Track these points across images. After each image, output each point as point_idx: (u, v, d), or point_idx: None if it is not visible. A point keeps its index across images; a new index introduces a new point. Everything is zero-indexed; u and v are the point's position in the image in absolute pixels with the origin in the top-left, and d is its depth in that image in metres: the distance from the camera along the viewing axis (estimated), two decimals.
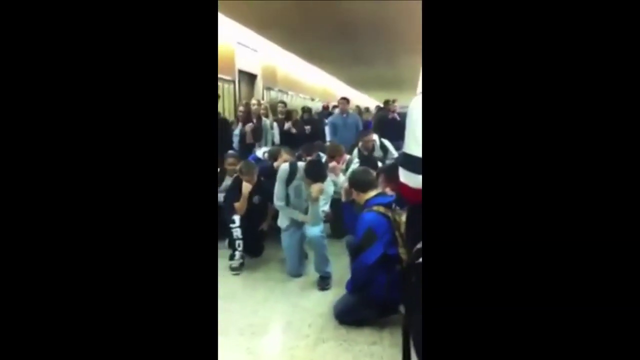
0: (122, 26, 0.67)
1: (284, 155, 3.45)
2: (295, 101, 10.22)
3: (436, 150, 0.67)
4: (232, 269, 3.01)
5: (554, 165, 0.63)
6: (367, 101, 18.00)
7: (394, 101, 5.99)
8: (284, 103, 5.60)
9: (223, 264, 3.04)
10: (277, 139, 4.81)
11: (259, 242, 3.34)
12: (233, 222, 3.03)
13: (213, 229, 0.72)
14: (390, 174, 2.79)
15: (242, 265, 3.05)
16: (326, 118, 6.14)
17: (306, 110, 5.76)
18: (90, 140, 0.66)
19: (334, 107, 6.18)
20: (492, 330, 0.63)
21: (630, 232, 0.58)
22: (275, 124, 4.97)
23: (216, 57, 0.81)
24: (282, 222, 3.03)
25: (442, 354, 0.64)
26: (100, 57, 0.66)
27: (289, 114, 5.32)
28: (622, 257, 0.58)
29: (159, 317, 0.68)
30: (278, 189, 2.97)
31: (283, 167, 3.01)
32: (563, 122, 0.61)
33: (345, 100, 5.64)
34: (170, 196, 0.70)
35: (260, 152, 3.92)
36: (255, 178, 3.12)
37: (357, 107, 7.71)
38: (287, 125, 5.02)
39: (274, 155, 3.63)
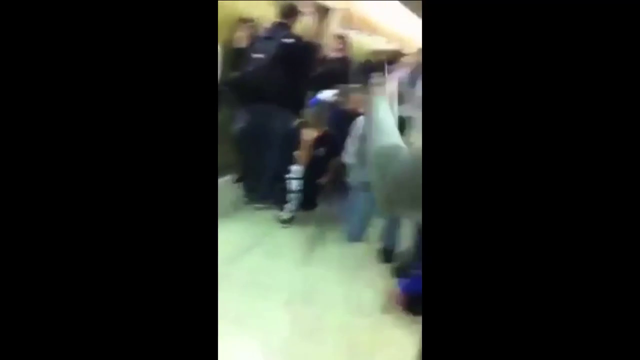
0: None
1: (355, 95, 2.81)
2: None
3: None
4: (282, 221, 2.74)
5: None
6: None
7: None
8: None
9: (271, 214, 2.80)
10: None
11: (314, 197, 3.03)
12: (288, 171, 2.70)
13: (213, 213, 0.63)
14: None
15: (292, 218, 2.77)
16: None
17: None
18: (80, 136, 0.62)
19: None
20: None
21: (631, 231, 0.56)
22: None
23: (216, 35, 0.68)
24: (353, 180, 2.65)
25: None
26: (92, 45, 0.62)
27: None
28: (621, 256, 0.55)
29: (157, 303, 0.63)
30: (351, 144, 2.57)
31: (359, 120, 2.58)
32: (560, 121, 0.58)
33: None
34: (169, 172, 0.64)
35: (329, 93, 3.41)
36: (322, 126, 2.72)
37: None
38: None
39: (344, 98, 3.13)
